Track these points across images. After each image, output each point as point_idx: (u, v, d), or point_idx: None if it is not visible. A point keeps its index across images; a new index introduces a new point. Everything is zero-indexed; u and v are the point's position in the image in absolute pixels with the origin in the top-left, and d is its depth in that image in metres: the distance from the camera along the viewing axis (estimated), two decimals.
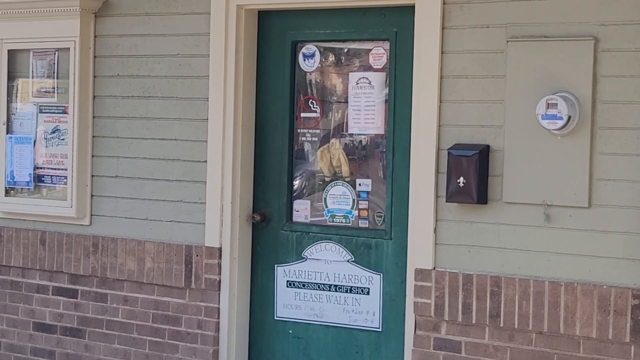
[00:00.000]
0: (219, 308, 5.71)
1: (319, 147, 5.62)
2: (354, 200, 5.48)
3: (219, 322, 5.71)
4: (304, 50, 5.63)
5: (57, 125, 6.24)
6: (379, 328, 5.38)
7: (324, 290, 5.54)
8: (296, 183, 5.70)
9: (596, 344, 4.65)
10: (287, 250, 5.66)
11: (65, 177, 6.18)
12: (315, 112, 5.64)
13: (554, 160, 4.75)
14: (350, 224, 5.49)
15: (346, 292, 5.46)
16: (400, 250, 5.27)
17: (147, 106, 5.95)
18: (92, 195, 6.16)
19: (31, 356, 6.33)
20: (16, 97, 6.43)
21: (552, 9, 4.76)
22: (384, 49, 5.37)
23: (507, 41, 4.86)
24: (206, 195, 5.73)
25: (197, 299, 5.77)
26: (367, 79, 5.43)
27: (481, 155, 4.88)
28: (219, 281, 5.70)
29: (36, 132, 6.33)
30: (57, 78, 6.26)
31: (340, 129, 5.56)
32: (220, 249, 5.69)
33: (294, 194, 5.69)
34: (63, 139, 6.20)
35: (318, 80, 5.65)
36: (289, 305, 5.65)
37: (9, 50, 6.40)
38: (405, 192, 5.22)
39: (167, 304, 5.87)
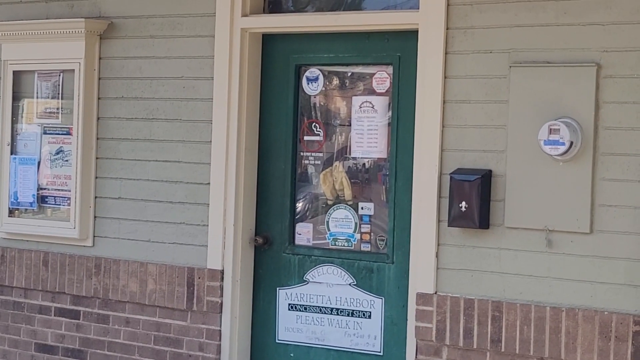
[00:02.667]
0: (220, 330, 5.70)
1: (322, 170, 5.64)
2: (356, 223, 5.48)
3: (220, 344, 5.70)
4: (307, 73, 5.65)
5: (61, 147, 6.26)
6: (380, 352, 5.38)
7: (325, 313, 5.53)
8: (299, 206, 5.71)
9: None
10: (289, 273, 5.66)
11: (69, 198, 6.19)
12: (319, 135, 5.65)
13: (556, 186, 4.75)
14: (352, 248, 5.49)
15: (348, 315, 5.46)
16: (402, 274, 5.26)
17: (151, 128, 5.97)
18: (95, 217, 6.17)
19: None
20: (21, 117, 6.44)
21: (554, 35, 4.78)
22: (387, 73, 5.39)
23: (510, 66, 4.87)
24: (209, 218, 5.74)
25: (199, 321, 5.76)
26: (370, 102, 5.45)
27: (483, 180, 4.89)
28: (221, 303, 5.70)
29: (40, 153, 6.34)
30: (62, 99, 6.27)
31: (343, 152, 5.58)
32: (222, 272, 5.69)
33: (297, 217, 5.70)
34: (67, 160, 6.21)
35: (322, 103, 5.67)
36: (291, 328, 5.65)
37: (14, 71, 6.42)
38: (407, 216, 5.22)
39: (168, 326, 5.87)
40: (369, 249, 5.45)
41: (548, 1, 4.78)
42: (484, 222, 4.90)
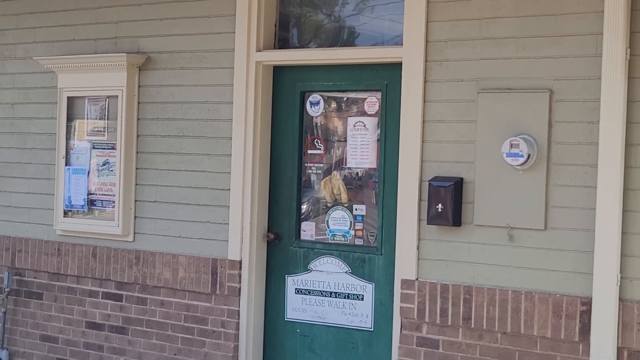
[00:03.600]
0: (239, 311, 5.69)
1: (323, 178, 5.62)
2: (351, 222, 5.47)
3: (238, 322, 5.69)
4: (310, 98, 5.64)
5: (107, 159, 6.24)
6: (371, 328, 5.36)
7: (326, 296, 5.52)
8: (303, 207, 5.69)
9: (551, 342, 4.64)
10: (296, 263, 5.65)
11: (113, 202, 6.18)
12: (320, 149, 5.64)
13: (516, 190, 4.75)
14: (348, 242, 5.48)
15: (344, 298, 5.45)
16: (389, 264, 5.25)
17: (181, 144, 5.95)
18: (135, 217, 6.15)
19: (84, 349, 6.30)
20: (73, 135, 6.42)
21: (515, 66, 4.78)
22: (377, 98, 5.38)
23: (478, 92, 4.87)
24: (229, 217, 5.73)
25: (221, 303, 5.75)
26: (362, 122, 5.43)
27: (456, 186, 4.88)
28: (239, 288, 5.68)
29: (90, 164, 6.33)
30: (108, 120, 6.25)
31: (340, 163, 5.56)
32: (240, 262, 5.68)
33: (302, 217, 5.68)
34: (112, 170, 6.20)
35: (322, 123, 5.65)
36: (297, 308, 5.64)
37: (68, 97, 6.40)
38: (393, 215, 5.21)
39: (196, 306, 5.85)
40: (361, 243, 5.44)
41: (509, 39, 4.79)
42: (457, 221, 4.89)
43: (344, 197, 5.52)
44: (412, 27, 5.05)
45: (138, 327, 6.07)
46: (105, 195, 6.25)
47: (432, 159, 5.01)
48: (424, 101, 5.03)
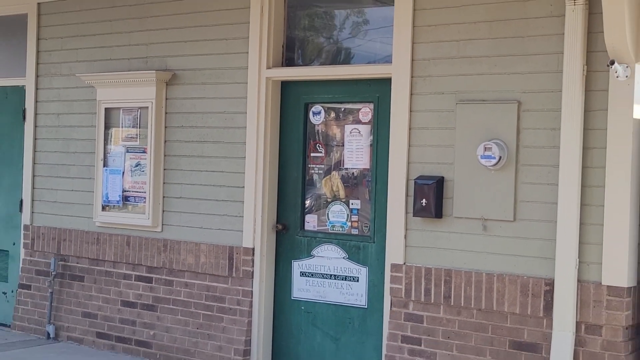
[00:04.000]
0: (252, 291, 5.70)
1: (323, 177, 5.63)
2: (348, 215, 5.48)
3: (252, 300, 5.70)
4: (313, 109, 5.65)
5: (138, 161, 6.25)
6: (365, 305, 5.38)
7: (326, 278, 5.53)
8: (307, 202, 5.70)
9: (519, 317, 4.65)
10: (300, 250, 5.66)
11: (144, 198, 6.19)
12: (321, 152, 5.65)
13: (489, 187, 4.76)
14: (345, 232, 5.49)
15: (342, 280, 5.46)
16: (381, 250, 5.26)
17: (203, 148, 5.96)
18: (163, 211, 6.15)
19: (119, 324, 6.31)
20: (110, 141, 6.43)
21: (488, 81, 4.79)
22: (370, 108, 5.39)
23: (456, 103, 4.88)
24: (244, 211, 5.73)
25: (237, 284, 5.77)
26: (357, 129, 5.45)
27: (438, 183, 4.89)
28: (252, 272, 5.70)
29: (124, 165, 6.33)
30: (139, 127, 6.25)
31: (338, 165, 5.56)
32: (253, 249, 5.69)
33: (306, 210, 5.69)
34: (143, 171, 6.21)
35: (323, 130, 5.67)
36: (302, 289, 5.65)
37: (105, 108, 6.40)
38: (384, 209, 5.22)
39: (215, 287, 5.87)
40: (357, 233, 5.45)
41: (483, 57, 4.81)
42: (438, 213, 4.90)
43: (341, 193, 5.53)
44: (400, 48, 5.06)
45: (165, 305, 6.08)
46: (137, 192, 6.26)
47: (417, 161, 5.02)
48: (410, 111, 5.04)
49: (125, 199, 6.33)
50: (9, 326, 7.00)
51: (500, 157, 4.65)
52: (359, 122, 5.45)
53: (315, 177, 5.67)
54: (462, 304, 4.82)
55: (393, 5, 5.12)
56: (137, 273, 6.26)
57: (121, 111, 6.35)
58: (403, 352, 5.01)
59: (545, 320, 4.57)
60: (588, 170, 4.48)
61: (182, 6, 6.06)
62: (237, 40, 5.79)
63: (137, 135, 6.27)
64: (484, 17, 4.79)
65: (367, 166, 5.40)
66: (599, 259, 4.43)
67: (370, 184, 5.38)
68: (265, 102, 5.66)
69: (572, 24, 4.44)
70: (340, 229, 5.50)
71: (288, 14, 5.74)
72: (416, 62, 5.02)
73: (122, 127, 6.37)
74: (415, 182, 4.96)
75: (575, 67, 4.45)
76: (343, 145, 5.51)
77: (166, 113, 6.14)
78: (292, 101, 5.73)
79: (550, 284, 4.54)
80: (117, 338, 6.30)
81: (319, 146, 5.65)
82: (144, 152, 6.20)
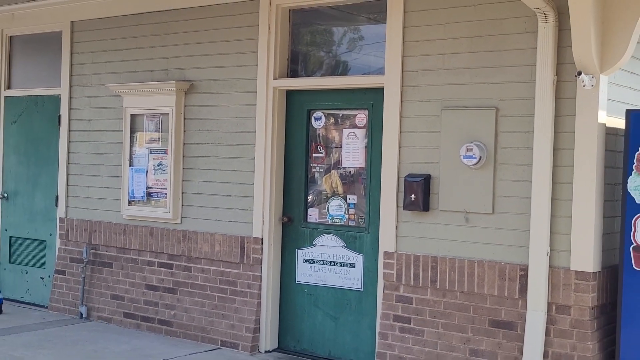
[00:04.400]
0: (261, 275, 5.68)
1: (324, 175, 5.60)
2: (345, 208, 5.45)
3: (261, 284, 5.68)
4: (314, 115, 5.62)
5: (160, 161, 6.22)
6: (361, 289, 5.35)
7: (326, 264, 5.50)
8: (310, 197, 5.67)
9: (497, 299, 4.65)
10: (304, 239, 5.64)
11: (166, 194, 6.16)
12: (322, 153, 5.62)
13: (471, 184, 4.75)
14: (343, 223, 5.46)
15: (341, 266, 5.43)
16: (375, 240, 5.24)
17: (217, 150, 5.94)
18: (182, 205, 6.13)
19: (144, 305, 6.28)
20: (135, 143, 6.40)
21: (469, 90, 4.79)
22: (365, 114, 5.36)
23: (442, 110, 4.87)
24: (253, 205, 5.71)
25: (247, 270, 5.74)
26: (354, 133, 5.42)
27: (425, 181, 4.88)
28: (261, 259, 5.68)
29: (147, 165, 6.31)
30: (161, 132, 6.23)
31: (337, 164, 5.54)
32: (262, 239, 5.67)
33: (308, 204, 5.66)
34: (164, 170, 6.18)
35: (323, 134, 5.63)
36: (305, 274, 5.62)
37: (131, 114, 6.39)
38: (377, 203, 5.20)
39: (228, 272, 5.85)
40: (354, 224, 5.42)
41: (465, 69, 4.80)
42: (426, 207, 4.89)
43: (340, 189, 5.50)
44: (391, 61, 5.05)
45: (184, 289, 6.06)
46: (159, 189, 6.24)
47: (407, 160, 5.01)
48: (401, 116, 5.02)
49: (149, 194, 6.30)
50: (47, 307, 6.99)
51: (480, 157, 4.65)
52: (355, 126, 5.42)
53: (317, 175, 5.64)
54: (447, 287, 4.80)
55: (385, 23, 5.10)
56: (160, 260, 6.23)
57: (145, 117, 6.33)
58: (395, 330, 4.99)
59: (520, 302, 4.56)
60: (558, 168, 4.47)
61: (198, 24, 6.03)
62: (247, 54, 5.76)
63: (159, 138, 6.25)
64: (466, 33, 4.77)
65: (363, 165, 5.37)
66: (568, 247, 4.43)
67: (365, 181, 5.35)
68: (272, 109, 5.64)
69: (543, 39, 4.44)
70: (339, 221, 5.47)
71: (292, 31, 5.71)
72: (406, 73, 5.00)
73: (145, 131, 6.34)
74: (405, 180, 4.94)
75: (546, 77, 4.45)
76: (341, 147, 5.49)
77: (185, 119, 6.12)
78: (296, 108, 5.70)
79: (525, 269, 4.53)
80: (141, 318, 6.28)
81: (319, 148, 5.62)
82: (165, 153, 6.18)
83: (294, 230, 5.69)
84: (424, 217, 4.92)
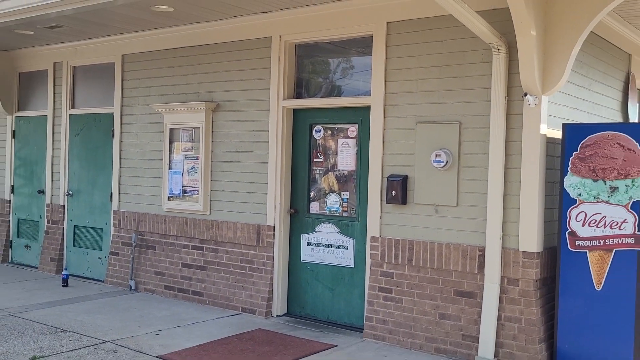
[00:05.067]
0: (273, 255, 5.68)
1: (323, 176, 5.59)
2: (340, 202, 5.45)
3: (273, 262, 5.68)
4: (315, 128, 5.62)
5: (193, 165, 6.22)
6: (353, 266, 5.35)
7: (325, 247, 5.50)
8: (312, 194, 5.66)
9: (461, 273, 4.64)
10: (307, 227, 5.63)
11: (197, 191, 6.16)
12: (321, 159, 5.61)
13: (439, 183, 4.75)
14: (338, 214, 5.46)
15: (336, 248, 5.43)
16: (363, 227, 5.24)
17: (238, 156, 5.94)
18: (210, 200, 6.12)
19: (180, 279, 6.28)
20: (173, 151, 6.40)
21: (438, 108, 4.78)
22: (355, 127, 5.35)
23: (416, 124, 4.86)
24: (267, 200, 5.71)
25: (262, 251, 5.75)
26: (347, 142, 5.41)
27: (403, 180, 4.88)
28: (273, 242, 5.67)
29: (183, 168, 6.30)
30: (193, 142, 6.22)
31: (333, 167, 5.53)
32: (274, 227, 5.67)
33: (311, 199, 5.65)
34: (196, 172, 6.18)
35: (322, 143, 5.62)
36: (308, 254, 5.62)
37: (169, 128, 6.38)
38: (365, 198, 5.20)
39: (247, 254, 5.84)
40: (347, 215, 5.41)
41: (434, 91, 4.80)
42: (404, 201, 4.89)
43: (336, 187, 5.50)
44: (376, 85, 5.05)
45: (213, 266, 6.06)
46: (192, 187, 6.23)
47: (389, 164, 5.01)
48: (384, 129, 5.02)
49: (184, 191, 6.30)
50: (103, 281, 7.00)
51: (447, 162, 4.65)
52: (347, 137, 5.42)
53: (317, 176, 5.64)
54: (421, 265, 4.81)
55: (371, 55, 5.11)
56: (193, 244, 6.24)
57: (181, 130, 6.33)
58: (379, 298, 4.99)
59: (479, 276, 4.57)
60: (509, 170, 4.48)
61: (223, 56, 6.04)
62: (261, 80, 5.77)
63: (192, 147, 6.25)
64: (435, 62, 4.78)
65: (354, 168, 5.37)
66: (517, 233, 4.44)
67: (356, 180, 5.35)
68: (282, 123, 5.65)
69: (497, 67, 4.45)
70: (335, 212, 5.47)
71: (297, 61, 5.71)
72: (388, 94, 5.00)
73: (181, 141, 6.34)
74: (387, 179, 4.94)
75: (499, 98, 4.46)
76: (337, 154, 5.49)
77: (212, 131, 6.12)
78: (300, 122, 5.70)
79: (483, 250, 4.54)
80: (178, 289, 6.28)
81: (319, 154, 5.62)
82: (197, 159, 6.17)
83: (299, 219, 5.69)
84: (402, 209, 4.92)
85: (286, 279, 5.75)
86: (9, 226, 8.14)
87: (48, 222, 7.57)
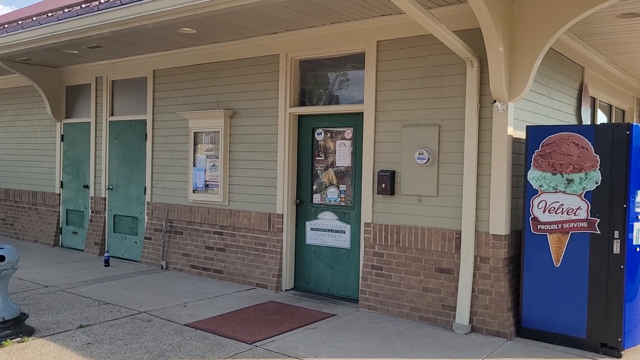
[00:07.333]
0: (282, 239, 5.68)
1: (324, 172, 5.58)
2: (338, 193, 5.45)
3: (282, 245, 5.68)
4: (317, 131, 5.61)
5: (214, 163, 6.23)
6: (349, 247, 5.36)
7: (326, 231, 5.51)
8: (314, 187, 5.65)
9: (440, 253, 4.64)
10: (311, 214, 5.63)
11: (218, 185, 6.16)
12: (322, 157, 5.60)
13: (422, 177, 4.74)
14: (337, 204, 5.45)
15: (335, 232, 5.44)
16: (358, 215, 5.25)
17: (252, 155, 5.94)
18: (229, 192, 6.13)
19: (203, 259, 6.29)
20: (197, 151, 6.40)
21: (421, 113, 4.77)
22: (351, 130, 5.35)
23: (402, 127, 4.86)
24: (276, 192, 5.71)
25: (273, 235, 5.75)
26: (344, 143, 5.41)
27: (391, 174, 4.88)
28: (282, 228, 5.67)
29: (205, 166, 6.31)
30: (214, 144, 6.22)
31: (332, 164, 5.52)
32: (282, 215, 5.67)
33: (314, 191, 5.65)
34: (216, 169, 6.18)
35: (323, 144, 5.61)
36: (312, 238, 5.63)
37: (194, 132, 6.38)
38: (360, 190, 5.20)
39: (260, 237, 5.85)
40: (344, 204, 5.41)
41: (418, 99, 4.78)
42: (392, 192, 4.89)
43: (334, 181, 5.49)
44: (368, 95, 5.04)
45: (231, 249, 6.07)
46: (213, 182, 6.23)
47: (380, 161, 5.00)
48: (375, 132, 5.02)
49: (207, 185, 6.30)
50: (139, 262, 7.02)
51: (428, 158, 4.65)
52: (344, 138, 5.42)
53: (319, 171, 5.64)
54: (407, 246, 4.81)
55: (364, 69, 5.11)
56: (214, 230, 6.25)
57: (203, 134, 6.33)
58: (372, 275, 5.01)
59: (456, 255, 4.57)
60: (481, 165, 4.47)
61: (239, 71, 6.04)
62: (271, 91, 5.76)
63: (213, 148, 6.25)
64: (418, 75, 4.77)
65: (350, 165, 5.37)
66: (488, 218, 4.44)
67: (352, 175, 5.35)
68: (288, 127, 5.65)
69: (470, 79, 4.44)
70: (334, 202, 5.48)
71: (301, 74, 5.71)
72: (378, 102, 5.00)
73: (204, 143, 6.34)
74: (378, 174, 4.94)
75: (472, 104, 4.45)
76: (335, 153, 5.48)
77: (230, 135, 6.12)
78: (304, 126, 5.70)
79: (459, 233, 4.54)
80: (202, 268, 6.30)
81: (320, 153, 5.61)
82: (217, 158, 6.18)
83: (304, 208, 5.69)
84: (391, 199, 4.93)
85: (293, 258, 5.76)
86: (59, 216, 8.18)
87: (92, 212, 7.60)
